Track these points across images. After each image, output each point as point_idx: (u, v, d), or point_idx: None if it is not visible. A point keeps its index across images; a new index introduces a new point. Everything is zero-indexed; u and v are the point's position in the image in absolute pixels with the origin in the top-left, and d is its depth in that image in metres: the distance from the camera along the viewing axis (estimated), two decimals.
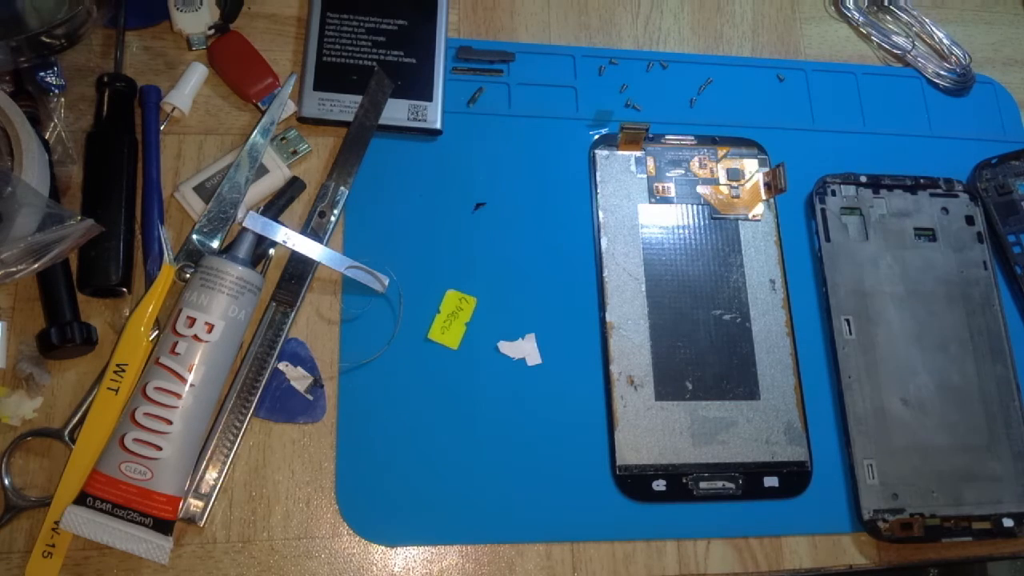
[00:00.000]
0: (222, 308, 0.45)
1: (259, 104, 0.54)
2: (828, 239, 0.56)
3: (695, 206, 0.56)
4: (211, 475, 0.46)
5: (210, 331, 0.44)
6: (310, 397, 0.49)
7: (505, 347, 0.52)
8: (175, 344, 0.44)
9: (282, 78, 0.55)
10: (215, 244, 0.50)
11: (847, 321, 0.54)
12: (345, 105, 0.54)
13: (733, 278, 0.55)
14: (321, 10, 0.56)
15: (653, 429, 0.51)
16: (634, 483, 0.50)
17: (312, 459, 0.48)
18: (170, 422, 0.43)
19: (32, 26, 0.48)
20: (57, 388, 0.47)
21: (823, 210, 0.57)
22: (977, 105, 0.64)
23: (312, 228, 0.51)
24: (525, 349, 0.52)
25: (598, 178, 0.56)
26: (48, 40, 0.48)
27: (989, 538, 0.51)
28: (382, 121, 0.54)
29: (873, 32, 0.65)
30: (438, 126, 0.55)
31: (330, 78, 0.54)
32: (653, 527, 0.49)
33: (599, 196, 0.56)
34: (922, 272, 0.56)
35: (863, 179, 0.58)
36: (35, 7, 0.49)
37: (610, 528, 0.49)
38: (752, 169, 0.58)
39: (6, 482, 0.44)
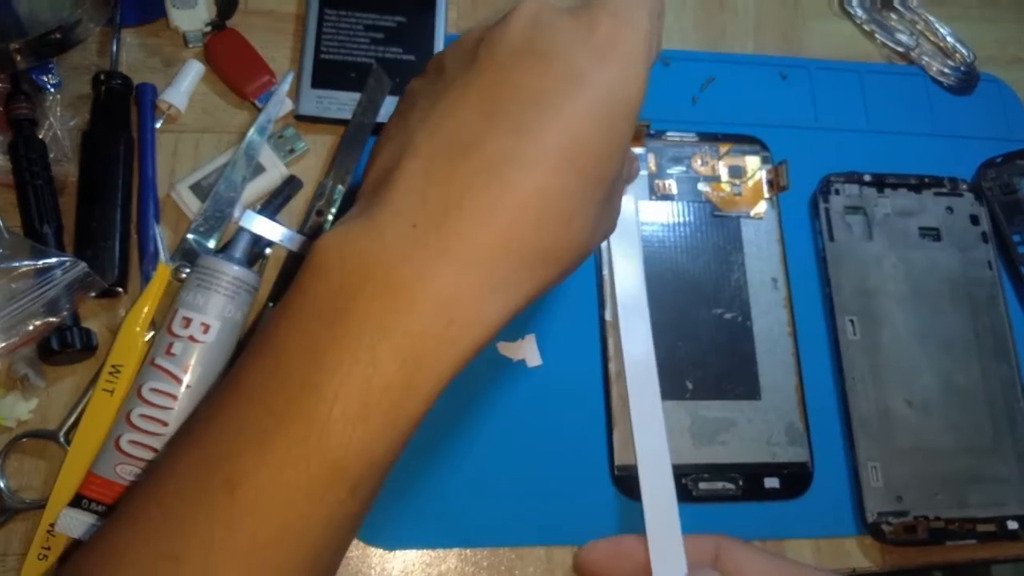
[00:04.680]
0: (218, 308, 0.45)
1: (256, 102, 0.53)
2: (832, 238, 0.56)
3: (696, 203, 0.56)
4: None
5: (206, 332, 0.44)
6: None
7: (505, 348, 0.51)
8: (171, 345, 0.44)
9: (279, 75, 0.54)
10: (211, 244, 0.49)
11: (851, 321, 0.54)
12: (343, 103, 0.53)
13: (734, 276, 0.54)
14: (319, 7, 0.55)
15: None
16: (633, 483, 0.49)
17: None
18: (166, 424, 0.42)
19: (32, 30, 0.47)
20: (52, 389, 0.47)
21: (827, 209, 0.56)
22: (982, 103, 0.63)
23: (310, 227, 0.51)
24: (525, 350, 0.51)
25: None
26: (48, 43, 0.48)
27: (993, 541, 0.51)
28: (380, 119, 0.54)
29: (877, 30, 0.65)
30: None
31: (328, 76, 0.54)
32: None
33: None
34: (927, 272, 0.56)
35: (867, 178, 0.58)
36: (35, 11, 0.49)
37: (610, 530, 0.48)
38: (754, 167, 0.57)
39: (1, 484, 0.44)
